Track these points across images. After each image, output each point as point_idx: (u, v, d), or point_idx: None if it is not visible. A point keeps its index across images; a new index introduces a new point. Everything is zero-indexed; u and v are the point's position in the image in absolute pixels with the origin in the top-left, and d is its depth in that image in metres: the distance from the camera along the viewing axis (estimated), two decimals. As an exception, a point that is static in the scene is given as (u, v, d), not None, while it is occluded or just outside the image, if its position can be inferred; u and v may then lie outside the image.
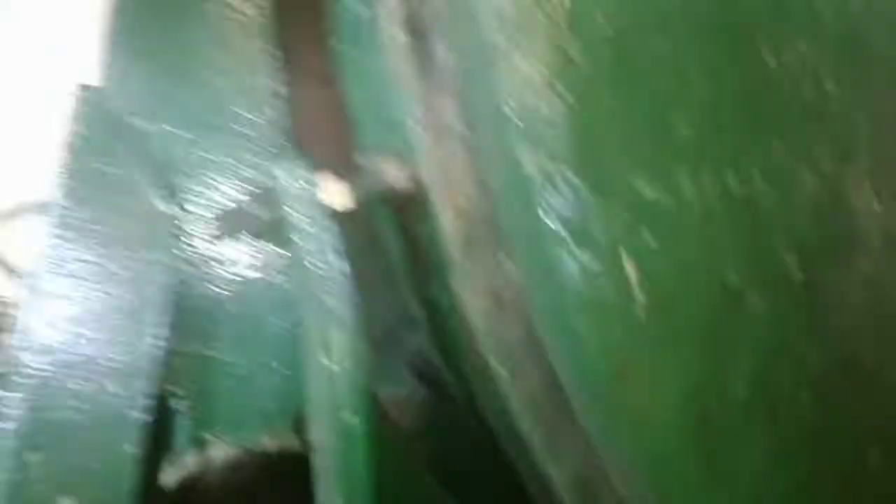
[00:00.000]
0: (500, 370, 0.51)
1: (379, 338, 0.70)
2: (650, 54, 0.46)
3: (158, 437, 0.77)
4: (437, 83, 0.50)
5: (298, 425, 0.73)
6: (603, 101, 0.44)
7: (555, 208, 0.44)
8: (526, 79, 0.43)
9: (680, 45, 0.47)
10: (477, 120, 0.48)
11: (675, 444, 0.47)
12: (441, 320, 0.60)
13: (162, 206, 0.67)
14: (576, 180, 0.44)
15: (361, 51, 0.62)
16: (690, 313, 0.46)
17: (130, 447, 0.65)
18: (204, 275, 0.70)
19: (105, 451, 0.65)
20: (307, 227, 0.51)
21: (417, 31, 0.53)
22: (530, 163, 0.43)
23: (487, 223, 0.50)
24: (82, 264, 0.66)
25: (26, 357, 0.64)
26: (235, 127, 0.68)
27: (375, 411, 0.53)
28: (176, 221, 0.67)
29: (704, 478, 0.48)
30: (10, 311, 0.69)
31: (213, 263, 0.69)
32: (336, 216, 0.53)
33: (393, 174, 0.53)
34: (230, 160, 0.68)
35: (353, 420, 0.50)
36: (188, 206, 0.68)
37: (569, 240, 0.43)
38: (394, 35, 0.53)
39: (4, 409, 0.63)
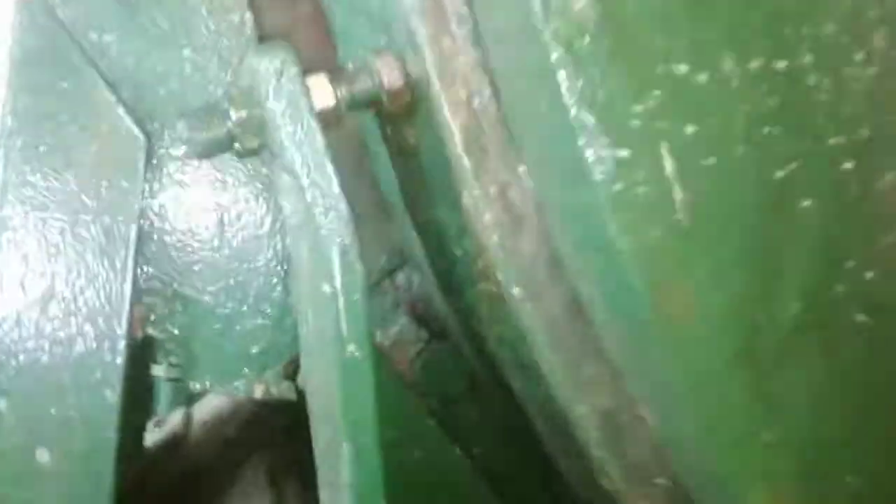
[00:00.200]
0: (516, 291, 0.45)
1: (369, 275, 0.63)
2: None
3: (142, 386, 0.72)
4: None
5: (289, 371, 0.68)
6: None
7: (584, 96, 0.37)
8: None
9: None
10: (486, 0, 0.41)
11: (719, 363, 0.41)
12: (442, 244, 0.54)
13: (130, 125, 0.59)
14: (608, 63, 0.37)
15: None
16: (735, 214, 0.40)
17: (112, 394, 0.59)
18: (179, 204, 0.63)
19: (84, 398, 0.59)
20: (297, 132, 0.44)
21: None
22: (555, 45, 0.37)
23: (499, 121, 0.43)
24: (45, 192, 0.59)
25: (-9, 296, 0.58)
26: (201, 35, 0.60)
27: (376, 348, 0.47)
28: (146, 142, 0.59)
29: (750, 400, 0.43)
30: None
31: (188, 191, 0.62)
32: (325, 124, 0.46)
33: (385, 71, 0.46)
34: (198, 72, 0.60)
35: (360, 353, 0.44)
36: (157, 125, 0.60)
37: (600, 131, 0.37)
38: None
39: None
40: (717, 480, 0.45)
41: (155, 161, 0.62)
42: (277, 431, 0.78)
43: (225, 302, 0.64)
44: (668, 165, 0.38)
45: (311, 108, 0.44)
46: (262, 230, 0.64)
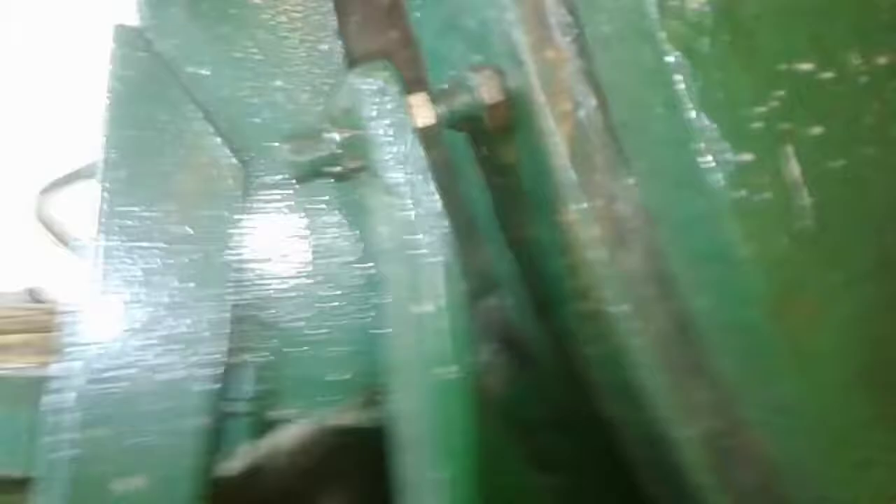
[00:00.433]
0: (623, 310, 0.44)
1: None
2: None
3: (226, 413, 0.72)
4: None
5: (370, 399, 0.67)
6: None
7: (703, 99, 0.36)
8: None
9: None
10: (590, 5, 0.41)
11: (844, 379, 0.38)
12: (540, 263, 0.52)
13: (227, 154, 0.60)
14: (727, 63, 0.36)
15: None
16: (864, 220, 0.38)
17: (195, 420, 0.59)
18: (272, 230, 0.64)
19: (179, 425, 0.60)
20: (401, 150, 0.44)
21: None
22: (671, 47, 0.36)
23: (606, 132, 0.42)
24: (140, 222, 0.60)
25: (85, 325, 0.59)
26: (293, 64, 0.62)
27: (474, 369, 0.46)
28: (241, 172, 0.60)
29: (876, 419, 0.40)
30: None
31: (280, 217, 0.63)
32: (426, 142, 0.45)
33: (484, 86, 0.46)
34: (290, 101, 0.61)
35: (463, 374, 0.43)
36: (252, 154, 0.62)
37: (720, 135, 0.36)
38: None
39: (65, 381, 0.58)
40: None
41: (249, 189, 0.63)
42: (355, 461, 0.77)
43: (317, 328, 0.64)
44: (794, 169, 0.36)
45: (414, 127, 0.44)
46: (352, 256, 0.64)
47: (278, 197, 0.64)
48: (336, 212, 0.65)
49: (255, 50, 0.62)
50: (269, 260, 0.64)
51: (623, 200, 0.43)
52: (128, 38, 0.61)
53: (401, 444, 0.52)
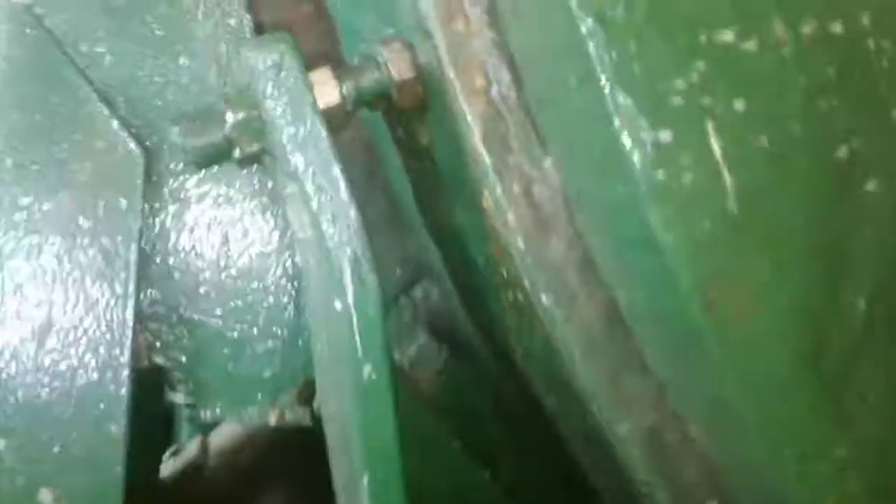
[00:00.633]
0: (546, 299, 0.41)
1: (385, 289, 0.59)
2: None
3: (152, 420, 0.68)
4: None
5: (304, 395, 0.64)
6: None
7: (618, 72, 0.32)
8: None
9: None
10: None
11: (782, 370, 0.36)
12: (462, 251, 0.49)
13: (127, 140, 0.55)
14: (644, 33, 0.33)
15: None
16: (794, 200, 0.35)
17: (117, 428, 0.55)
18: (181, 223, 0.59)
19: (87, 434, 0.55)
20: (300, 132, 0.40)
21: None
22: (583, 15, 0.32)
23: (521, 110, 0.39)
24: (38, 215, 0.55)
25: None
26: (198, 40, 0.57)
27: (395, 369, 0.43)
28: (144, 158, 0.55)
29: (819, 411, 0.38)
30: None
31: (191, 208, 0.58)
32: (331, 123, 0.42)
33: (393, 62, 0.42)
34: (196, 80, 0.57)
35: (377, 376, 0.40)
36: (155, 138, 0.57)
37: (637, 111, 0.33)
38: None
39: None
40: (780, 502, 0.41)
41: (154, 177, 0.58)
42: (295, 459, 0.74)
43: (234, 325, 0.60)
44: (716, 147, 0.33)
45: (315, 106, 0.40)
46: (270, 246, 0.60)
47: (189, 185, 0.59)
48: (253, 199, 0.60)
49: (155, 25, 0.57)
50: (180, 253, 0.60)
51: (541, 184, 0.40)
52: (14, 14, 0.56)
53: (330, 446, 0.49)
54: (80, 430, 0.56)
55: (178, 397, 0.63)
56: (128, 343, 0.56)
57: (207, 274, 0.60)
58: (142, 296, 0.58)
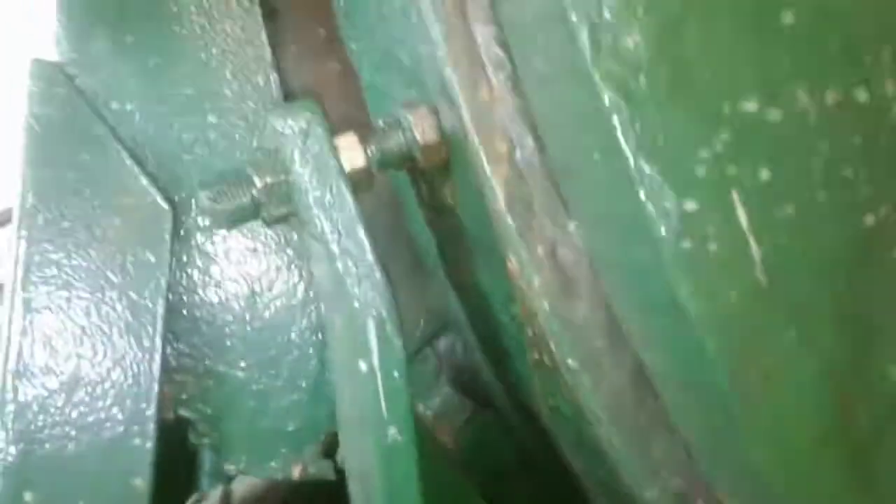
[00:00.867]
0: (573, 363, 0.40)
1: (408, 343, 0.59)
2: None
3: (175, 469, 0.68)
4: (464, 3, 0.40)
5: (328, 448, 0.63)
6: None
7: (642, 142, 0.33)
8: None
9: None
10: (524, 42, 0.38)
11: (809, 440, 0.36)
12: (487, 310, 0.49)
13: (156, 196, 0.56)
14: (667, 104, 0.33)
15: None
16: (821, 271, 0.35)
17: (141, 481, 0.55)
18: (208, 276, 0.60)
19: (112, 488, 0.55)
20: (326, 196, 0.40)
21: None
22: (607, 86, 0.33)
23: (544, 174, 0.39)
24: (68, 270, 0.56)
25: (15, 381, 0.54)
26: (225, 99, 0.58)
27: (419, 427, 0.43)
28: (172, 214, 0.56)
29: (845, 483, 0.37)
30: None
31: (218, 262, 0.59)
32: (356, 186, 0.42)
33: (418, 126, 0.43)
34: (224, 138, 0.58)
35: (402, 437, 0.40)
36: (183, 194, 0.58)
37: (662, 181, 0.33)
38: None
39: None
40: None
41: (182, 232, 0.59)
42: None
43: (259, 377, 0.61)
44: (742, 217, 0.33)
45: (341, 170, 0.41)
46: (295, 300, 0.61)
47: (215, 239, 0.60)
48: (278, 254, 0.61)
49: (185, 84, 0.59)
50: (206, 306, 0.61)
51: (566, 247, 0.40)
52: (46, 74, 0.57)
53: (354, 501, 0.49)
54: (105, 483, 0.56)
55: (202, 449, 0.63)
56: (154, 396, 0.56)
57: (234, 327, 0.60)
58: (168, 348, 0.59)
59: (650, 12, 0.33)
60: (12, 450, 0.54)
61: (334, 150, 0.42)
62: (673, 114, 0.33)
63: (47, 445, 0.56)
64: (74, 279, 0.56)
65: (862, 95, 0.35)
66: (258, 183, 0.42)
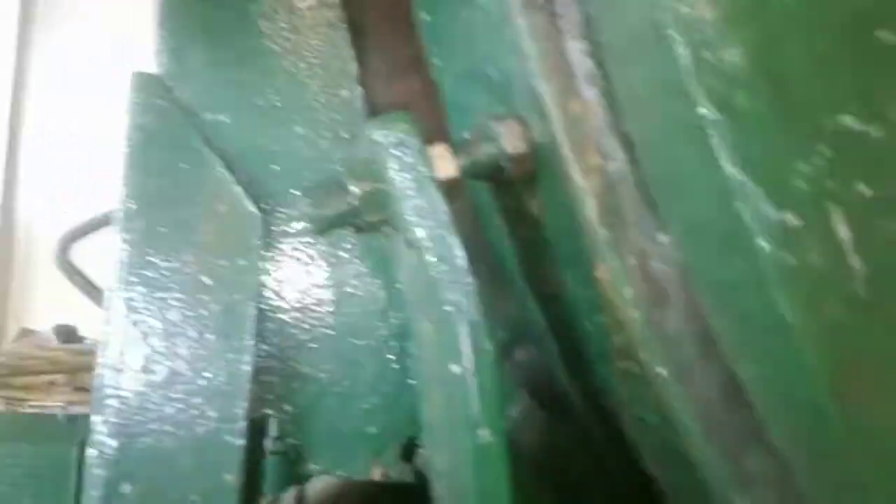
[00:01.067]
0: (663, 372, 0.41)
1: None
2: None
3: (255, 467, 0.70)
4: (557, 19, 0.41)
5: (406, 452, 0.65)
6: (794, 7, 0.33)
7: (741, 156, 0.33)
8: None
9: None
10: (618, 57, 0.38)
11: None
12: (570, 319, 0.50)
13: (247, 204, 0.59)
14: (766, 118, 0.33)
15: (454, 13, 0.52)
16: (923, 285, 0.35)
17: (231, 477, 0.57)
18: (294, 281, 0.62)
19: (205, 482, 0.58)
20: (422, 204, 0.42)
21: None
22: (705, 101, 0.33)
23: (637, 187, 0.40)
24: (166, 273, 0.59)
25: (116, 378, 0.57)
26: (313, 111, 0.60)
27: (507, 431, 0.44)
28: (261, 221, 0.59)
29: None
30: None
31: (303, 267, 0.61)
32: (448, 195, 0.43)
33: (508, 137, 0.44)
34: (311, 148, 0.60)
35: (494, 438, 0.41)
36: (272, 202, 0.60)
37: (762, 193, 0.33)
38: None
39: (96, 436, 0.56)
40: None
41: (270, 238, 0.61)
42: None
43: (341, 380, 0.63)
44: (842, 231, 0.33)
45: (435, 179, 0.42)
46: (377, 306, 0.63)
47: (301, 246, 0.62)
48: (361, 260, 0.63)
49: (275, 97, 0.61)
50: (292, 310, 0.63)
51: (657, 258, 0.40)
52: (146, 85, 0.60)
53: (441, 500, 0.50)
54: (199, 478, 0.58)
55: (284, 447, 0.65)
56: (245, 395, 0.58)
57: (318, 331, 0.62)
58: (257, 349, 0.61)
59: (750, 28, 0.33)
60: (113, 443, 0.57)
61: (429, 159, 0.43)
62: (772, 128, 0.33)
63: (144, 439, 0.59)
64: (172, 281, 0.59)
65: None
66: (356, 190, 0.43)
